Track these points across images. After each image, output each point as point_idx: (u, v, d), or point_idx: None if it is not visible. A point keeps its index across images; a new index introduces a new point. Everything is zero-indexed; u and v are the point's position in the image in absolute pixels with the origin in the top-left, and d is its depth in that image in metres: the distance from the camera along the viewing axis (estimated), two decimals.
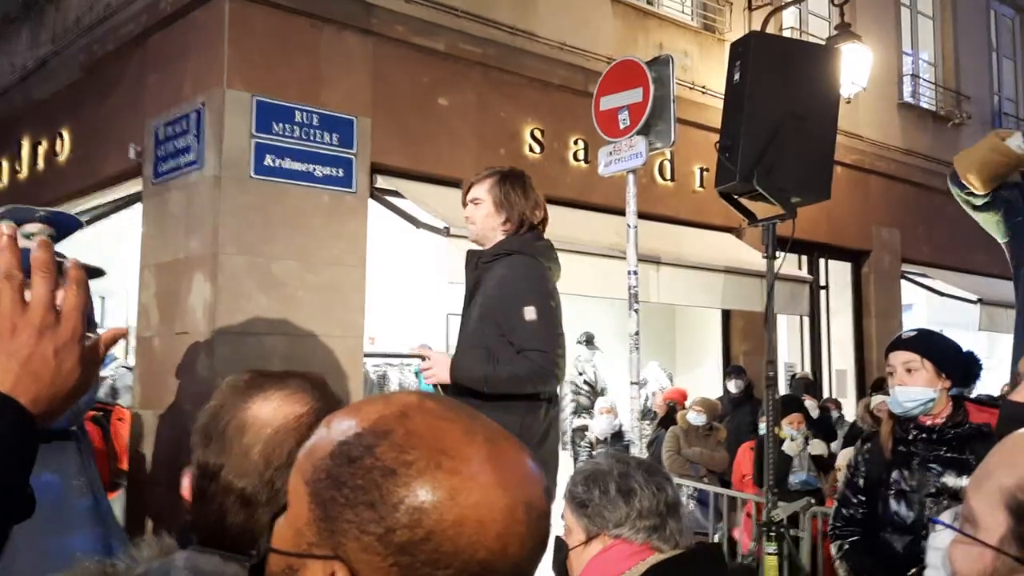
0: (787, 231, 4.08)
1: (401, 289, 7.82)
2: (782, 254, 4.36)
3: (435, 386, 3.03)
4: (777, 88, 4.09)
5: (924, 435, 2.80)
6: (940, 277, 10.30)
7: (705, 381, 8.97)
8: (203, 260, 5.30)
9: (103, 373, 5.70)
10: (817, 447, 5.97)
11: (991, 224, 3.81)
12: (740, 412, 7.60)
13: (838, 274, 9.90)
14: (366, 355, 6.26)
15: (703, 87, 7.93)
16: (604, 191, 6.63)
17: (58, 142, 7.20)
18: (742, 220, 4.65)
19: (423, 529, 0.70)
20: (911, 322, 10.04)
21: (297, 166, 5.53)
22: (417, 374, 3.16)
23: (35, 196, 6.30)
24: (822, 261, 9.63)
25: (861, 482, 2.95)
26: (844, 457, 5.21)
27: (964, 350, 2.93)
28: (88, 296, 0.95)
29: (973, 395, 3.59)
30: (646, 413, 8.17)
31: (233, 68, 5.38)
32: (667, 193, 7.72)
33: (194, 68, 5.62)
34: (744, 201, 4.29)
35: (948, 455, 2.76)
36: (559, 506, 1.85)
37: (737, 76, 4.12)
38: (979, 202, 3.70)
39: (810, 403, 7.14)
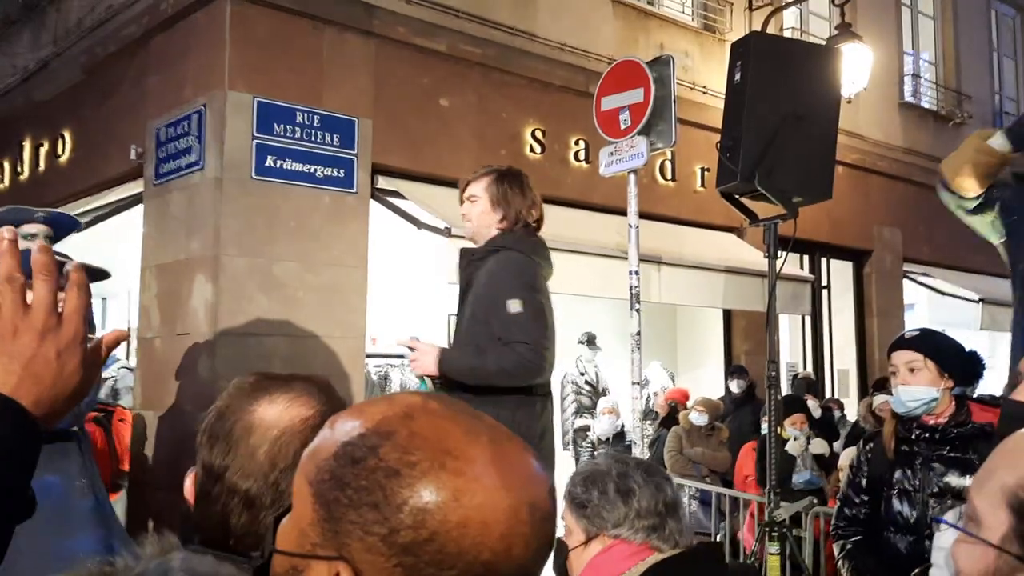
0: (788, 231, 4.08)
1: (402, 290, 7.82)
2: (783, 254, 4.36)
3: (429, 380, 3.00)
4: (778, 88, 4.09)
5: (927, 435, 2.80)
6: (941, 276, 10.31)
7: (707, 381, 8.97)
8: (204, 261, 5.30)
9: (105, 374, 5.69)
10: (819, 446, 5.96)
11: (986, 226, 3.79)
12: (742, 412, 7.59)
13: (839, 274, 9.90)
14: (367, 356, 6.27)
15: (704, 87, 7.93)
16: (605, 191, 6.63)
17: (59, 143, 7.21)
18: (743, 220, 4.64)
19: (427, 530, 0.69)
20: (913, 321, 10.04)
21: (298, 167, 5.53)
22: (421, 380, 3.14)
23: (36, 197, 6.29)
24: (823, 261, 9.64)
25: (864, 482, 2.95)
26: (846, 457, 5.20)
27: (967, 350, 2.93)
28: (89, 298, 0.95)
29: (975, 394, 3.59)
30: (648, 413, 8.17)
31: (234, 69, 5.38)
32: (668, 193, 7.72)
33: (195, 69, 5.63)
34: (745, 201, 4.28)
35: (951, 454, 2.76)
36: (559, 507, 1.84)
37: (738, 76, 4.12)
38: (971, 205, 3.68)
39: (812, 403, 7.13)
